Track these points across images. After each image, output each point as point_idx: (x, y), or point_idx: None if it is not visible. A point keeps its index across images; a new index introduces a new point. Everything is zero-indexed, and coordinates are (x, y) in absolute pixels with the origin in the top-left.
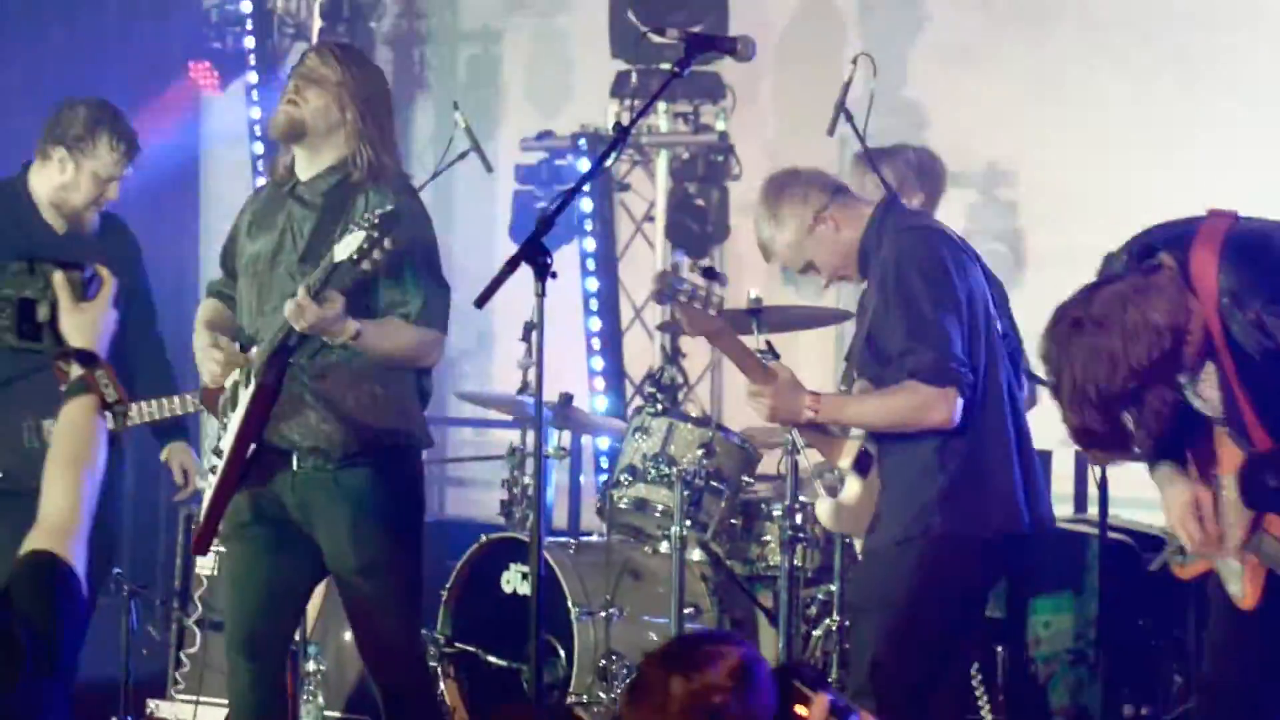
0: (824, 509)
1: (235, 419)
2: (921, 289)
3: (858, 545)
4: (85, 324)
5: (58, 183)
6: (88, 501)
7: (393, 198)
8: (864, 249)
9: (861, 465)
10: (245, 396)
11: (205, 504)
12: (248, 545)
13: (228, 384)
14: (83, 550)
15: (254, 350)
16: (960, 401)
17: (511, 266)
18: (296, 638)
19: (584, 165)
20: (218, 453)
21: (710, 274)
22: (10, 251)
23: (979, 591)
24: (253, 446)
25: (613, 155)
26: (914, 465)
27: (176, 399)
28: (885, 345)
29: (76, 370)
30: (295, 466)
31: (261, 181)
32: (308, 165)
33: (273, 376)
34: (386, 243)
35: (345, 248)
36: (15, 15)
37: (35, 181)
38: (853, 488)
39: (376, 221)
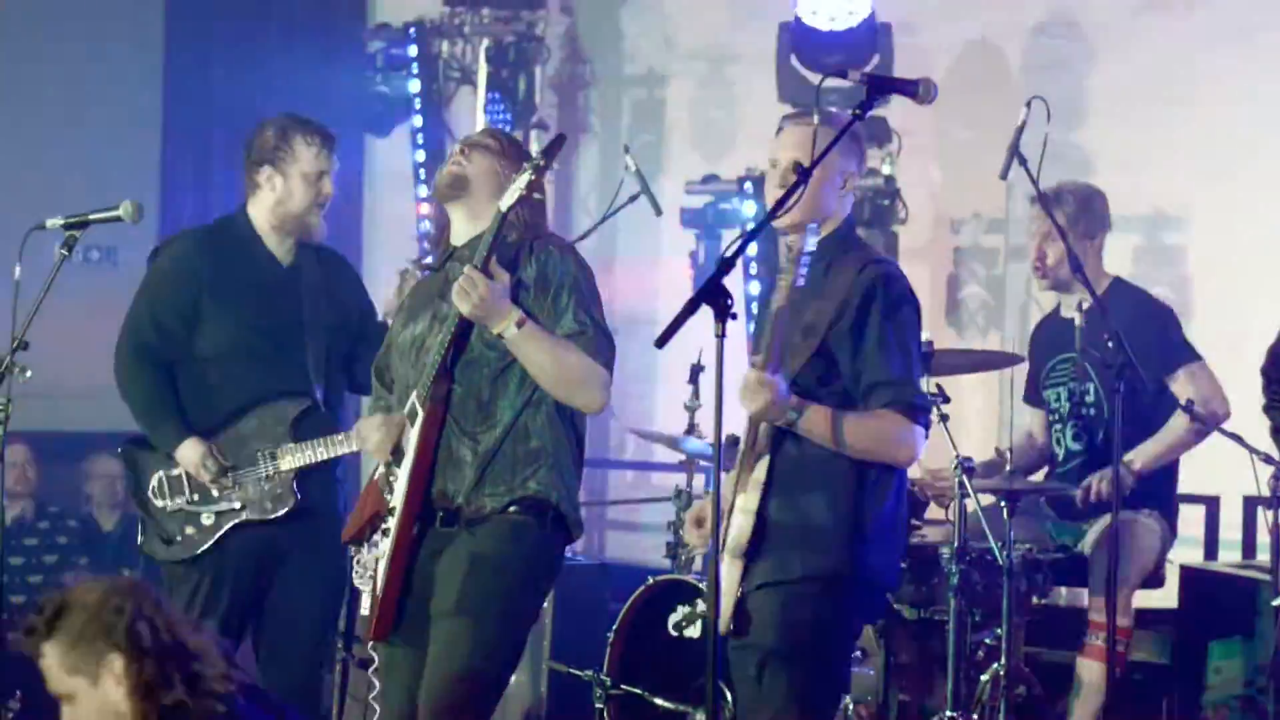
0: (746, 526)
1: (406, 463)
2: (911, 325)
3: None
4: None
5: (273, 201)
6: None
7: (555, 251)
8: (819, 250)
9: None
10: (414, 432)
11: (380, 578)
12: (398, 650)
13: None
14: None
15: (412, 396)
16: (923, 446)
17: (692, 307)
18: None
19: (749, 208)
20: (390, 512)
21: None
22: (241, 286)
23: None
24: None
25: (794, 197)
26: (840, 499)
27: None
28: (845, 366)
29: None
30: (439, 525)
31: (426, 225)
32: (466, 229)
33: (441, 398)
34: (546, 167)
35: (510, 195)
36: (182, 57)
37: (254, 212)
38: (754, 504)
39: (543, 149)
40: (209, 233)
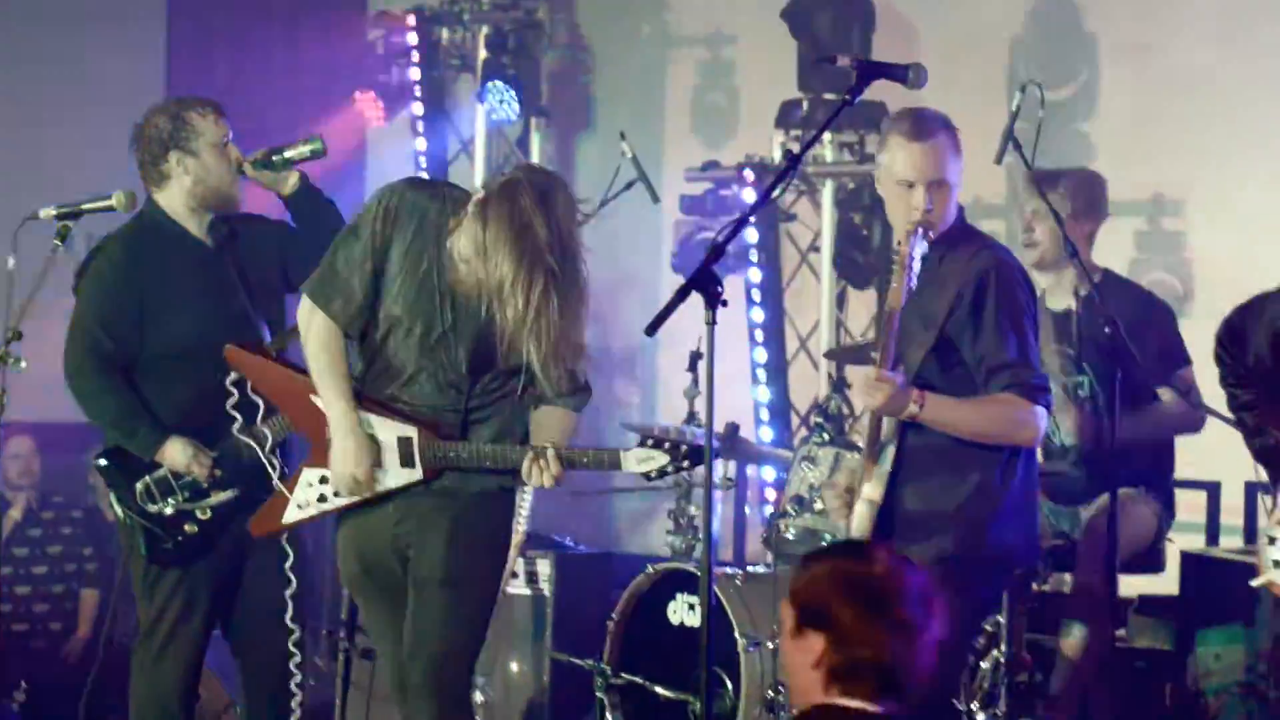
0: (864, 514)
1: (377, 484)
2: (1026, 308)
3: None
4: None
5: (190, 182)
6: None
7: None
8: (934, 247)
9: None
10: (401, 475)
11: (293, 519)
12: (374, 597)
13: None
14: None
15: (408, 428)
16: (1045, 425)
17: (682, 294)
18: None
19: (749, 196)
20: (335, 494)
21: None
22: (180, 278)
23: (989, 614)
24: None
25: (784, 183)
26: (969, 482)
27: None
28: (966, 352)
29: None
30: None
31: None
32: None
33: (435, 474)
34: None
35: (639, 462)
36: (184, 46)
37: (166, 203)
38: (880, 493)
39: (686, 453)
40: (133, 234)
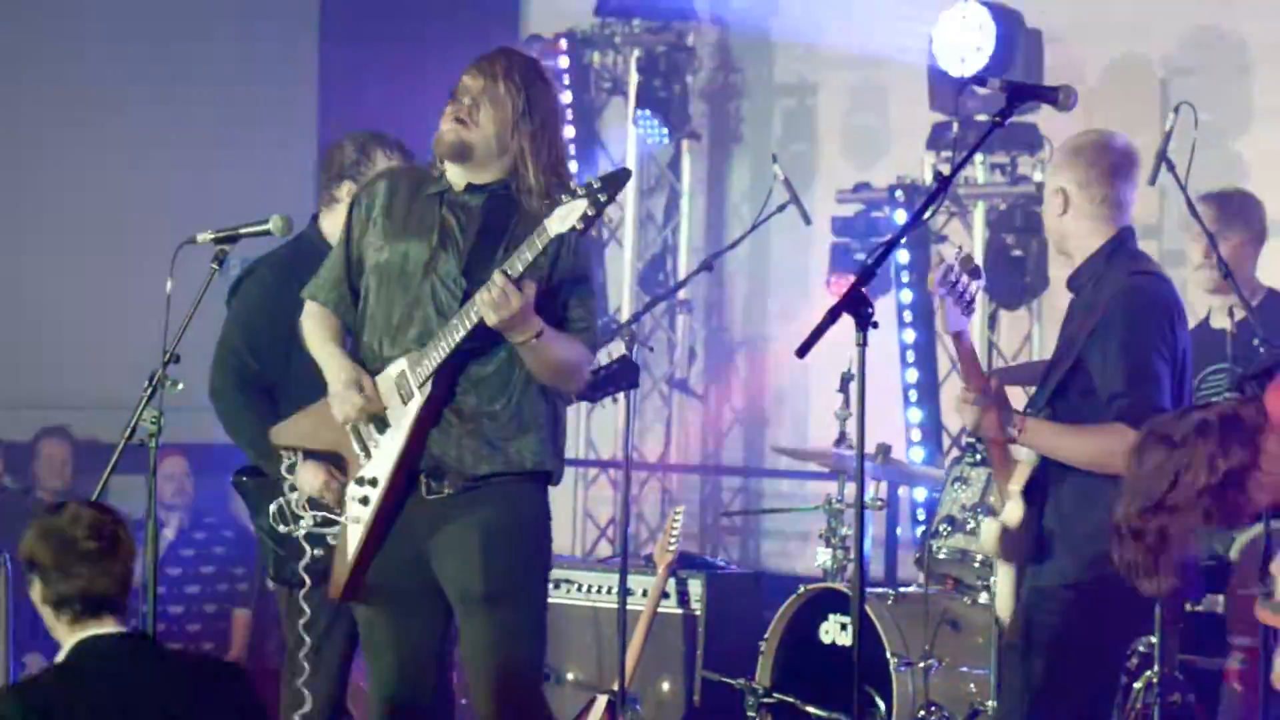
0: (990, 531)
1: (394, 440)
2: (1152, 337)
3: (1002, 571)
4: None
5: None
6: None
7: (590, 236)
8: (1087, 266)
9: (1031, 492)
10: (408, 411)
11: (357, 542)
12: (381, 606)
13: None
14: None
15: (399, 363)
16: None
17: (833, 316)
18: (615, 687)
19: (900, 217)
20: (370, 482)
21: (975, 273)
22: None
23: (1129, 641)
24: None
25: (935, 205)
26: (1099, 506)
27: None
28: (1093, 377)
29: None
30: (424, 492)
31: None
32: (461, 174)
33: (444, 386)
34: (607, 203)
35: (562, 220)
36: (336, 72)
37: (328, 226)
38: (1015, 513)
39: (605, 181)
40: (290, 255)
